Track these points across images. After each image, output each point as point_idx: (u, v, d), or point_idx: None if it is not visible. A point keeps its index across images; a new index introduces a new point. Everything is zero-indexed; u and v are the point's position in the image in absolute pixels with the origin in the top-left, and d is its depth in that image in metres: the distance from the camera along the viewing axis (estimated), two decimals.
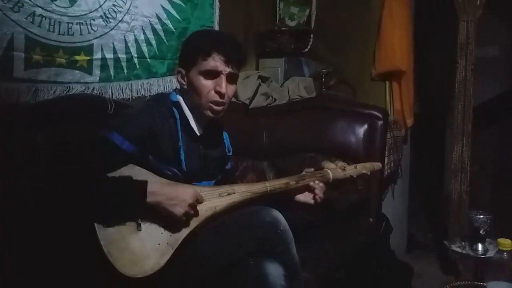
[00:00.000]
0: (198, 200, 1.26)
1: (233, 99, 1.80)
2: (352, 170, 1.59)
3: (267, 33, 2.77)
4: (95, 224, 1.14)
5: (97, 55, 1.75)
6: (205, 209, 1.28)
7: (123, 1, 1.82)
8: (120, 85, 1.86)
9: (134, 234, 1.18)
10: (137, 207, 1.18)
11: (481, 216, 2.00)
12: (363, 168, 1.62)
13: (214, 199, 1.30)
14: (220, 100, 1.35)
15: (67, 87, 1.66)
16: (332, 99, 2.54)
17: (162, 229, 1.22)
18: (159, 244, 1.20)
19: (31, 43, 1.53)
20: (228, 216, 1.31)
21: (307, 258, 1.43)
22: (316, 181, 1.49)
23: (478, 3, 2.49)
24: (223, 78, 1.34)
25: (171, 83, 2.05)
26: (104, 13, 1.76)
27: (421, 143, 3.24)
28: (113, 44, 1.80)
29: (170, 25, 2.05)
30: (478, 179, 2.81)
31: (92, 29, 1.72)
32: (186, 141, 1.36)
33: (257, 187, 1.38)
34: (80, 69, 1.70)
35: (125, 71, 1.87)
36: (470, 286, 1.57)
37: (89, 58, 1.72)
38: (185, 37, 1.85)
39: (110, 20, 1.78)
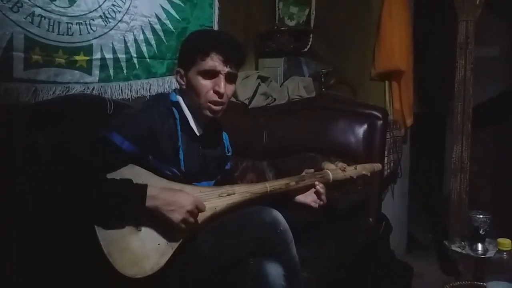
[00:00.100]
0: (199, 208, 1.24)
1: (233, 99, 1.80)
2: (352, 171, 1.59)
3: (266, 33, 2.77)
4: (95, 225, 1.14)
5: (97, 55, 1.75)
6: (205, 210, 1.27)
7: (122, 1, 1.82)
8: (119, 85, 1.86)
9: (134, 234, 1.18)
10: (136, 211, 1.18)
11: (481, 216, 1.99)
12: (363, 169, 1.62)
13: (214, 199, 1.30)
14: (219, 100, 1.35)
15: (66, 87, 1.66)
16: (331, 99, 2.54)
17: (162, 230, 1.22)
18: (159, 244, 1.20)
19: (30, 43, 1.53)
20: (228, 217, 1.31)
21: (307, 258, 1.43)
22: (321, 184, 1.49)
23: (477, 3, 2.49)
24: (221, 78, 1.34)
25: (171, 83, 2.05)
26: (104, 13, 1.75)
27: (420, 143, 3.24)
28: (112, 44, 1.80)
29: (170, 25, 2.05)
30: (477, 179, 2.81)
31: (91, 29, 1.72)
32: (185, 141, 1.36)
33: (257, 188, 1.38)
34: (80, 69, 1.70)
35: (125, 71, 1.87)
36: (470, 286, 1.57)
37: (88, 58, 1.72)
38: (184, 37, 1.85)
39: (110, 20, 1.78)
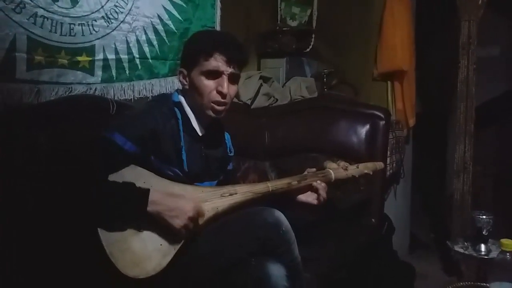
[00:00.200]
0: (199, 214, 1.24)
1: (235, 100, 1.80)
2: (354, 170, 1.58)
3: (268, 33, 2.77)
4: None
5: (99, 56, 1.75)
6: (207, 210, 1.27)
7: (124, 2, 1.83)
8: (122, 86, 1.86)
9: (136, 235, 1.18)
10: (138, 215, 1.18)
11: (484, 217, 1.99)
12: (365, 167, 1.62)
13: (216, 199, 1.30)
14: (222, 100, 1.35)
15: (69, 88, 1.66)
16: (333, 99, 2.54)
17: (164, 230, 1.22)
18: (161, 245, 1.20)
19: (33, 44, 1.53)
20: (230, 217, 1.31)
21: (309, 258, 1.43)
22: (319, 181, 1.48)
23: (479, 3, 2.49)
24: (224, 78, 1.34)
25: (173, 83, 2.05)
26: (106, 14, 1.76)
27: (423, 143, 3.23)
28: (115, 44, 1.81)
29: (172, 26, 2.05)
30: (480, 179, 2.80)
31: (94, 30, 1.72)
32: (188, 142, 1.37)
33: (259, 188, 1.37)
34: (82, 69, 1.70)
35: (127, 71, 1.87)
36: (473, 287, 1.57)
37: (91, 59, 1.73)
38: (186, 38, 1.86)
39: (112, 21, 1.79)
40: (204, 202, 1.28)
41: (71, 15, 1.63)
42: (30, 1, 1.50)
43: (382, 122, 2.12)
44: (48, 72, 1.59)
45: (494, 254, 1.91)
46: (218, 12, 2.29)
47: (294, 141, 2.20)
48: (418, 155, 3.14)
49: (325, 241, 1.72)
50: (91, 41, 1.72)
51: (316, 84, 2.66)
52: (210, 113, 1.37)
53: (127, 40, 1.85)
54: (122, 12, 1.82)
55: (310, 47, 2.83)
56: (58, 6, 1.59)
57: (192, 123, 1.39)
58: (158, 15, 1.98)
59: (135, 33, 1.89)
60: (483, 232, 1.98)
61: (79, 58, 1.68)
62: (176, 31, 2.06)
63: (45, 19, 1.56)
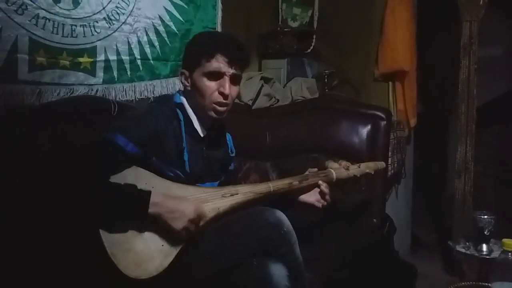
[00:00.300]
0: (200, 216, 1.24)
1: (236, 100, 1.80)
2: (355, 169, 1.58)
3: (269, 34, 2.77)
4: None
5: (101, 57, 1.76)
6: (208, 210, 1.27)
7: (126, 3, 1.83)
8: (123, 87, 1.86)
9: (138, 236, 1.19)
10: (139, 217, 1.18)
11: (486, 217, 1.99)
12: (367, 167, 1.62)
13: (217, 200, 1.30)
14: (224, 101, 1.35)
15: (70, 89, 1.66)
16: (335, 99, 2.54)
17: (165, 231, 1.22)
18: (162, 245, 1.20)
19: (35, 45, 1.53)
20: (232, 217, 1.31)
21: (311, 258, 1.43)
22: (325, 184, 1.49)
23: (481, 3, 2.49)
24: (226, 79, 1.34)
25: (174, 84, 2.05)
26: (107, 15, 1.76)
27: (424, 143, 3.23)
28: (116, 46, 1.81)
29: (173, 27, 2.05)
30: (481, 179, 2.80)
31: (95, 31, 1.72)
32: (189, 143, 1.37)
33: (260, 188, 1.38)
34: (84, 71, 1.70)
35: (128, 72, 1.88)
36: (475, 287, 1.57)
37: (92, 60, 1.73)
38: (188, 39, 1.86)
39: (113, 22, 1.79)
40: (205, 203, 1.28)
41: (72, 17, 1.64)
42: (32, 3, 1.51)
43: (383, 122, 2.12)
44: (50, 73, 1.59)
45: (495, 254, 1.91)
46: (219, 13, 2.29)
47: (295, 141, 2.20)
48: (419, 155, 3.14)
49: (326, 241, 1.72)
50: (92, 42, 1.72)
51: (317, 85, 2.66)
52: (212, 114, 1.37)
53: (128, 41, 1.86)
54: (123, 14, 1.82)
55: (311, 47, 2.83)
56: (60, 7, 1.60)
57: (194, 124, 1.39)
58: (160, 16, 1.99)
59: (137, 34, 1.89)
60: (485, 232, 1.99)
61: (81, 59, 1.69)
62: (177, 32, 2.07)
63: (47, 21, 1.56)
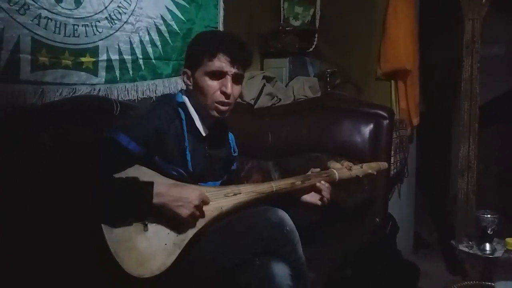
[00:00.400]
0: (204, 201, 1.25)
1: (238, 100, 1.80)
2: (358, 169, 1.58)
3: (271, 33, 2.77)
4: (102, 225, 1.14)
5: (103, 57, 1.76)
6: (211, 210, 1.27)
7: (127, 3, 1.83)
8: (125, 86, 1.86)
9: (141, 234, 1.19)
10: (144, 208, 1.18)
11: (489, 216, 1.98)
12: (369, 167, 1.62)
13: (220, 199, 1.30)
14: (226, 100, 1.35)
15: (73, 89, 1.67)
16: (337, 98, 2.53)
17: (168, 230, 1.22)
18: (165, 244, 1.21)
19: (37, 45, 1.54)
20: (234, 217, 1.31)
21: (313, 258, 1.43)
22: (323, 182, 1.48)
23: (483, 1, 2.48)
24: (228, 78, 1.34)
25: (176, 84, 2.06)
26: (109, 14, 1.76)
27: (427, 142, 3.22)
28: (118, 45, 1.81)
29: (175, 26, 2.05)
30: (484, 178, 2.79)
31: (97, 30, 1.72)
32: (192, 142, 1.37)
33: (263, 187, 1.38)
34: (86, 70, 1.71)
35: (131, 72, 1.88)
36: (478, 286, 1.56)
37: (94, 59, 1.73)
38: (189, 38, 1.86)
39: (115, 21, 1.79)
40: None
41: (74, 16, 1.64)
42: (34, 3, 1.51)
43: (385, 122, 2.12)
44: (52, 73, 1.59)
45: (499, 253, 1.90)
46: (221, 12, 2.29)
47: (298, 140, 2.20)
48: (422, 154, 3.13)
49: (329, 241, 1.71)
50: (94, 42, 1.72)
51: (319, 84, 2.65)
52: (214, 113, 1.37)
53: (130, 41, 1.86)
54: (125, 13, 1.83)
55: (313, 46, 2.83)
56: (62, 7, 1.60)
57: (196, 123, 1.39)
58: (161, 16, 1.99)
59: (139, 33, 1.89)
60: (488, 231, 1.98)
61: (83, 59, 1.69)
62: (179, 31, 2.07)
63: (49, 20, 1.56)
